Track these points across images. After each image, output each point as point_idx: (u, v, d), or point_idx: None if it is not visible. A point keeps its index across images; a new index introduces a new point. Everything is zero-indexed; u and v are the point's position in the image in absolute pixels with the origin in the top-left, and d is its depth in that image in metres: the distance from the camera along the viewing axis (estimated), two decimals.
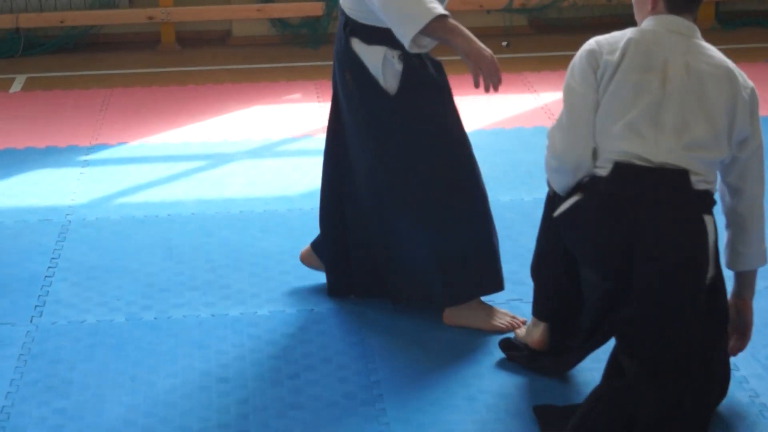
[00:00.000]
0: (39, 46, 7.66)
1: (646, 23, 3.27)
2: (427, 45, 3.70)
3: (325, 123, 4.22)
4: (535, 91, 6.57)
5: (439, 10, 3.55)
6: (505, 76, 6.77)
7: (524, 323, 3.85)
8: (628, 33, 3.25)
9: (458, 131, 3.92)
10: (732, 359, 3.51)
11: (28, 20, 7.61)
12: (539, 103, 6.41)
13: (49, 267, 4.49)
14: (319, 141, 5.68)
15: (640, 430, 3.11)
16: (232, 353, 3.83)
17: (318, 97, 6.65)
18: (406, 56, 3.78)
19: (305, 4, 7.73)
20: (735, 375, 3.57)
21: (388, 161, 3.89)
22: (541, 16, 7.92)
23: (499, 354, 3.77)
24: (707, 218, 3.15)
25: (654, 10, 3.27)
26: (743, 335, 3.40)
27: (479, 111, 6.21)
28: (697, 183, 3.12)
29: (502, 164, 5.50)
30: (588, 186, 3.21)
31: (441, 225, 3.91)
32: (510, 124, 6.05)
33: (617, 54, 3.21)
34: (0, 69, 7.34)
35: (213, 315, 4.09)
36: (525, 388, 3.62)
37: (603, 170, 3.17)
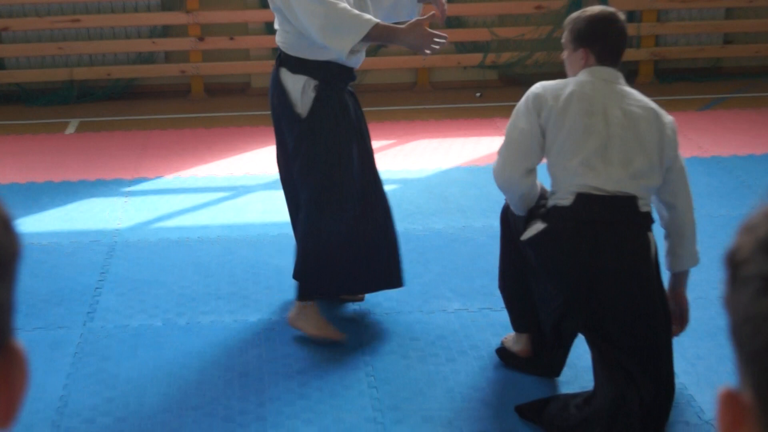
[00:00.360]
0: (89, 95, 7.63)
1: (582, 75, 3.40)
2: (360, 50, 3.79)
3: None
4: (501, 133, 6.42)
5: (373, 19, 3.65)
6: (477, 122, 6.99)
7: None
8: (570, 84, 3.38)
9: (347, 155, 3.89)
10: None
11: (81, 73, 7.61)
12: None
13: (99, 280, 4.53)
14: None
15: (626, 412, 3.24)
16: (252, 353, 3.89)
17: None
18: (320, 87, 3.83)
19: None
20: None
21: (295, 171, 3.93)
22: (509, 72, 7.87)
23: (474, 354, 3.82)
24: (650, 234, 3.33)
25: (586, 64, 3.41)
26: (682, 320, 3.53)
27: (457, 151, 6.27)
28: (642, 206, 3.30)
29: (475, 195, 5.50)
30: (551, 214, 3.33)
31: (309, 229, 3.92)
32: (482, 162, 6.01)
33: (561, 101, 3.32)
34: (57, 114, 7.32)
35: (235, 320, 4.14)
36: (494, 381, 3.68)
37: (565, 201, 3.29)
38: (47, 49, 7.62)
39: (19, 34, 7.63)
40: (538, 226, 3.38)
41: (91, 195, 5.63)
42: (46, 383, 3.68)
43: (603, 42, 3.42)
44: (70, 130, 7.04)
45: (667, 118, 3.42)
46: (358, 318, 4.18)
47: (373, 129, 6.62)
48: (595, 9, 3.52)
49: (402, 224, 5.03)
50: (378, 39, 3.76)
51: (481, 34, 7.82)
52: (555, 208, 3.35)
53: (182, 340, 4.03)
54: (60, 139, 6.79)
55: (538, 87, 3.44)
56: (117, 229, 5.15)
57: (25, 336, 3.97)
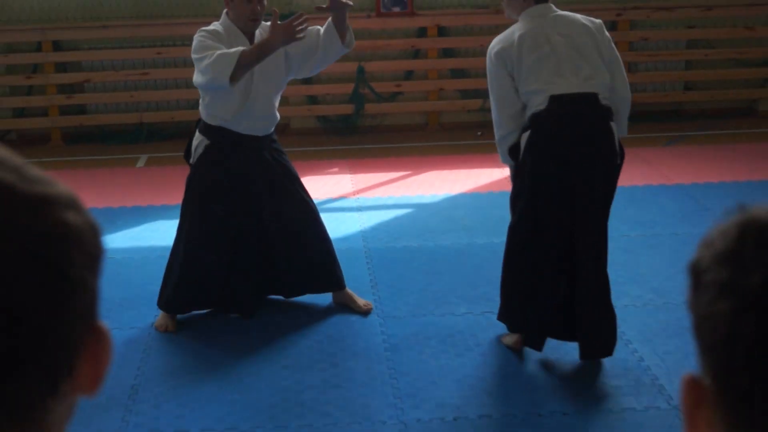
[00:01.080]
0: (156, 135, 7.60)
1: (523, 19, 3.58)
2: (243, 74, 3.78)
3: (356, 190, 4.24)
4: (498, 165, 6.45)
5: (240, 48, 3.73)
6: (479, 157, 6.99)
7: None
8: (515, 30, 3.57)
9: (208, 198, 4.02)
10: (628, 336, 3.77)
11: (149, 117, 7.62)
12: (504, 175, 6.18)
13: None
14: (351, 201, 5.86)
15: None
16: (292, 349, 3.89)
17: (349, 170, 6.60)
18: (209, 147, 4.00)
19: (340, 106, 7.73)
20: (628, 346, 3.72)
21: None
22: None
23: (478, 350, 3.83)
24: (612, 124, 3.55)
25: (526, 3, 3.59)
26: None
27: (462, 181, 6.25)
28: (602, 100, 3.51)
29: (478, 217, 5.46)
30: (532, 121, 3.51)
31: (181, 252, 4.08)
32: (483, 189, 6.03)
33: (515, 46, 3.50)
34: (129, 151, 7.34)
35: (285, 318, 4.13)
36: (496, 373, 3.69)
37: (541, 106, 3.49)
38: (121, 97, 7.68)
39: (98, 85, 7.70)
40: (524, 135, 3.54)
41: (157, 218, 5.63)
42: (120, 374, 3.68)
43: None
44: (140, 164, 7.08)
45: (595, 22, 3.66)
46: (379, 321, 4.17)
47: (391, 163, 6.80)
48: None
49: (416, 241, 5.15)
50: (254, 59, 3.76)
51: (481, 83, 7.76)
52: (534, 115, 3.51)
53: (233, 339, 4.03)
54: (131, 172, 6.84)
55: (494, 44, 3.62)
56: None
57: None
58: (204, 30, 3.91)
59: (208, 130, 4.05)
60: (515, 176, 3.71)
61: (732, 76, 7.99)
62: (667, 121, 7.81)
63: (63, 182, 0.72)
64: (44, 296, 0.65)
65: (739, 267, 0.69)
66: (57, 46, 7.60)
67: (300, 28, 3.70)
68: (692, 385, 0.73)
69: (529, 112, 3.53)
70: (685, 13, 7.83)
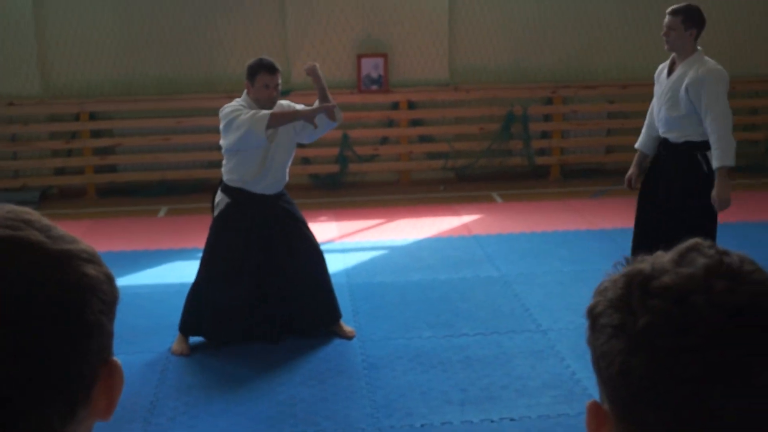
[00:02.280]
0: (176, 190, 7.55)
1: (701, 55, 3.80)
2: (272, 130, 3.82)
3: (341, 235, 4.16)
4: (459, 215, 6.50)
5: (268, 111, 3.76)
6: (440, 207, 7.00)
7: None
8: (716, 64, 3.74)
9: (223, 248, 4.01)
10: (563, 354, 3.67)
11: (170, 175, 7.58)
12: (461, 222, 6.31)
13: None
14: (337, 244, 5.76)
15: None
16: (285, 367, 3.82)
17: (336, 218, 6.51)
18: (229, 204, 3.98)
19: (328, 165, 7.71)
20: (562, 362, 3.65)
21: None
22: (463, 172, 7.80)
23: (440, 368, 3.75)
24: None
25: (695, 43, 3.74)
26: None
27: (428, 227, 6.22)
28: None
29: (441, 257, 5.41)
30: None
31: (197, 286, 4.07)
32: (445, 234, 5.99)
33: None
34: (152, 203, 7.24)
35: (279, 346, 4.02)
36: (456, 387, 3.61)
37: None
38: (146, 158, 7.64)
39: (127, 148, 7.66)
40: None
41: (175, 259, 5.57)
42: (140, 391, 3.63)
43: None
44: (161, 214, 7.01)
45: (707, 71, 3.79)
46: (359, 343, 4.12)
47: (370, 212, 6.79)
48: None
49: (390, 277, 5.09)
50: (285, 120, 3.82)
51: (443, 147, 7.89)
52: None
53: (238, 360, 3.97)
54: (154, 221, 6.78)
55: (721, 71, 3.72)
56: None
57: (127, 357, 3.94)
58: (228, 107, 3.88)
59: (228, 190, 4.01)
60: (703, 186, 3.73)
61: None
62: (592, 177, 7.86)
63: (91, 235, 0.72)
64: (66, 338, 0.65)
65: (628, 312, 0.68)
66: (93, 116, 7.58)
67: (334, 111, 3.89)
68: (595, 410, 0.72)
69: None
70: (606, 90, 7.94)
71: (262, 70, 3.84)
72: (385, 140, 7.96)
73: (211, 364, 3.93)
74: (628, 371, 0.67)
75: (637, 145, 4.22)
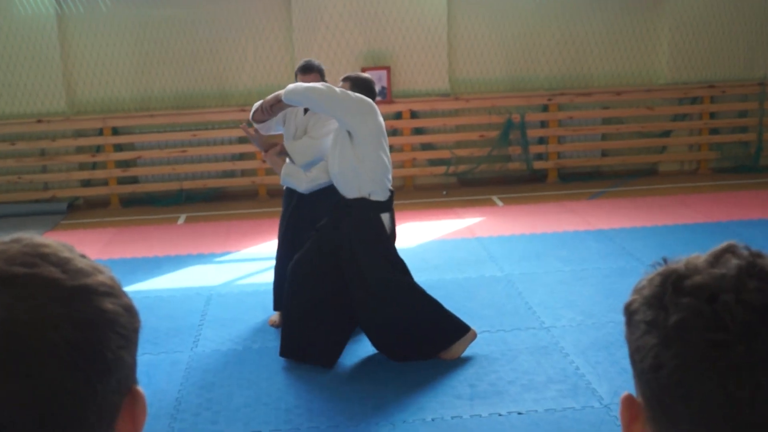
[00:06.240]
0: (193, 198, 7.55)
1: None
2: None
3: None
4: (462, 218, 6.49)
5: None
6: (443, 211, 6.97)
7: None
8: None
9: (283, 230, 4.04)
10: (566, 350, 3.66)
11: (187, 184, 7.55)
12: (464, 225, 6.28)
13: (200, 320, 4.46)
14: None
15: None
16: (304, 366, 3.76)
17: None
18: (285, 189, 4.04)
19: None
20: (566, 358, 3.63)
21: None
22: (465, 176, 7.81)
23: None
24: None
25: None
26: None
27: (432, 230, 6.20)
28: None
29: (445, 258, 5.38)
30: None
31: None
32: (450, 237, 5.96)
33: None
34: (171, 211, 7.24)
35: None
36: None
37: None
38: (165, 170, 7.64)
39: (147, 160, 7.67)
40: None
41: (194, 263, 5.57)
42: (166, 389, 3.62)
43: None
44: (180, 221, 7.00)
45: None
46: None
47: None
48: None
49: None
50: (259, 115, 3.74)
51: (445, 154, 7.86)
52: None
53: (256, 359, 3.96)
54: (173, 228, 6.76)
55: None
56: (212, 286, 5.07)
57: (152, 357, 3.95)
58: None
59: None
60: None
61: (637, 145, 8.05)
62: (589, 180, 7.85)
63: (115, 243, 0.68)
64: (83, 379, 0.61)
65: (661, 309, 0.68)
66: (115, 131, 7.59)
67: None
68: (629, 403, 0.72)
69: None
70: (601, 97, 7.90)
71: (299, 70, 3.90)
72: (390, 148, 7.91)
73: (232, 363, 3.91)
74: (660, 365, 0.67)
75: None
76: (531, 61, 7.96)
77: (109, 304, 0.64)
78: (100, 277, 0.65)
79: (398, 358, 3.73)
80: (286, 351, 3.78)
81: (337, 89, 3.49)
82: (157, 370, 3.81)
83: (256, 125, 3.86)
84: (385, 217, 3.68)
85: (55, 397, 0.60)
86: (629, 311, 0.72)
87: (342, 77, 3.73)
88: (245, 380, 3.72)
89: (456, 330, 3.76)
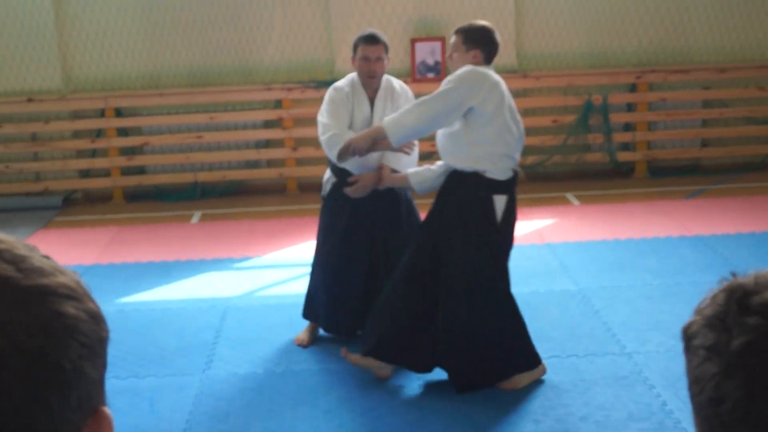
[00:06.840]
0: (209, 193, 7.67)
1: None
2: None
3: None
4: (528, 218, 6.41)
5: (348, 135, 3.85)
6: None
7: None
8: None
9: (327, 226, 4.24)
10: (652, 381, 3.64)
11: (203, 176, 7.67)
12: (533, 228, 6.25)
13: (215, 337, 4.50)
14: None
15: None
16: (333, 394, 3.85)
17: None
18: (334, 183, 4.18)
19: None
20: (651, 390, 3.63)
21: None
22: (534, 170, 7.79)
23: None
24: None
25: (475, 61, 3.62)
26: None
27: None
28: None
29: (510, 267, 5.40)
30: None
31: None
32: (514, 242, 5.93)
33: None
34: (184, 208, 7.34)
35: (321, 369, 4.08)
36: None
37: None
38: (177, 158, 7.76)
39: (156, 148, 7.80)
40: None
41: (209, 270, 5.61)
42: (173, 418, 3.67)
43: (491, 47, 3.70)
44: (194, 220, 7.07)
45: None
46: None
47: None
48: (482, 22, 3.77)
49: None
50: (355, 151, 3.84)
51: None
52: None
53: (278, 384, 3.99)
54: (186, 227, 6.82)
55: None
56: (228, 297, 5.12)
57: (157, 381, 4.03)
58: (333, 89, 4.06)
59: (334, 168, 4.15)
60: None
61: (746, 133, 7.95)
62: (686, 175, 7.78)
63: (118, 244, 0.70)
64: (36, 391, 0.62)
65: (723, 330, 0.68)
66: (119, 112, 7.75)
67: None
68: None
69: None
70: (701, 75, 7.80)
71: (362, 41, 4.05)
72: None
73: (250, 390, 3.95)
74: (720, 398, 0.67)
75: None
76: (616, 31, 7.88)
77: (69, 308, 0.65)
78: (62, 279, 0.66)
79: (457, 381, 3.75)
80: (376, 352, 3.84)
81: (430, 96, 3.61)
82: (162, 395, 3.86)
83: (342, 165, 4.03)
84: (499, 199, 3.67)
85: (2, 413, 0.61)
86: (687, 335, 0.73)
87: (454, 29, 3.80)
88: (265, 410, 3.75)
89: (528, 360, 3.79)
